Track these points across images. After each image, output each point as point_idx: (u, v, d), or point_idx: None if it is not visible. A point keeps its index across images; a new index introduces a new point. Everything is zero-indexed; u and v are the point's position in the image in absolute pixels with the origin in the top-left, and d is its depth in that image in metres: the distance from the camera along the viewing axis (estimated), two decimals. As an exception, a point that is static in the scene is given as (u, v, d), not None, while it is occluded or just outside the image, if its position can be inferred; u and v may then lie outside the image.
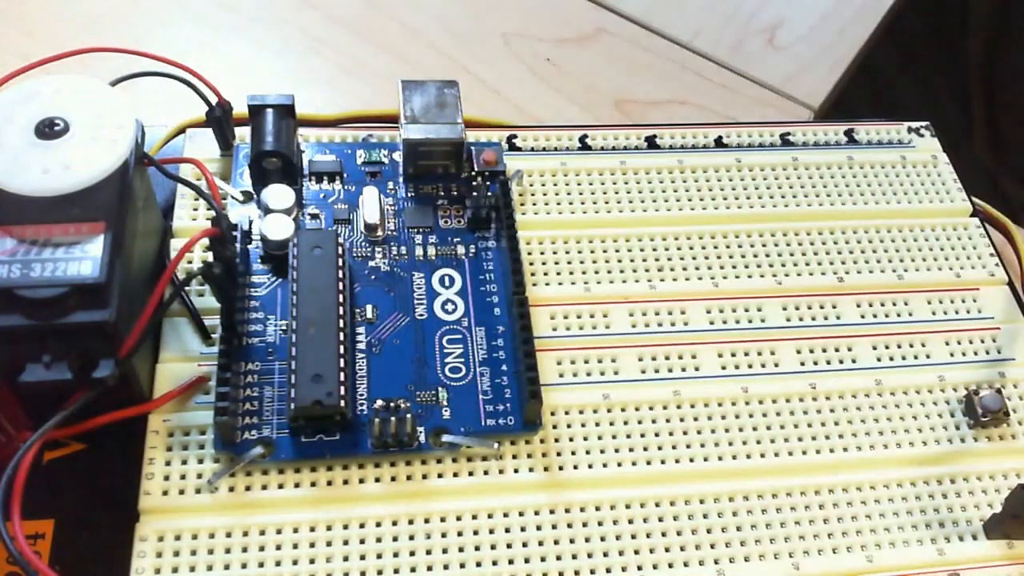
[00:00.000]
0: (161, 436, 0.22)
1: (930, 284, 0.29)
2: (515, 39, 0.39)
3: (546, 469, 0.23)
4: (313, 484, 0.22)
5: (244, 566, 0.21)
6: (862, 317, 0.28)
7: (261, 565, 0.21)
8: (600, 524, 0.23)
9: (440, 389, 0.24)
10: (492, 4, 0.40)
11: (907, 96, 0.55)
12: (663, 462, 0.24)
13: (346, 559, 0.22)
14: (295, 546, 0.22)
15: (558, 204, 0.29)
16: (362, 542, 0.22)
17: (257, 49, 0.37)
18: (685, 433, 0.25)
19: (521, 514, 0.23)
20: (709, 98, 0.38)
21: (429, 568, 0.22)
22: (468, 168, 0.28)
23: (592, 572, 0.22)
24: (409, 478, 0.23)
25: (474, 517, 0.22)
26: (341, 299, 0.23)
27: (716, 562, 0.23)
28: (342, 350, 0.22)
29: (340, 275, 0.23)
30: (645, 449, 0.24)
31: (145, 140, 0.23)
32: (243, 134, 0.27)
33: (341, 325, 0.23)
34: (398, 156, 0.28)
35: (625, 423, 0.24)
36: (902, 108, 0.55)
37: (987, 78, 0.53)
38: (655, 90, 0.39)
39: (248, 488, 0.22)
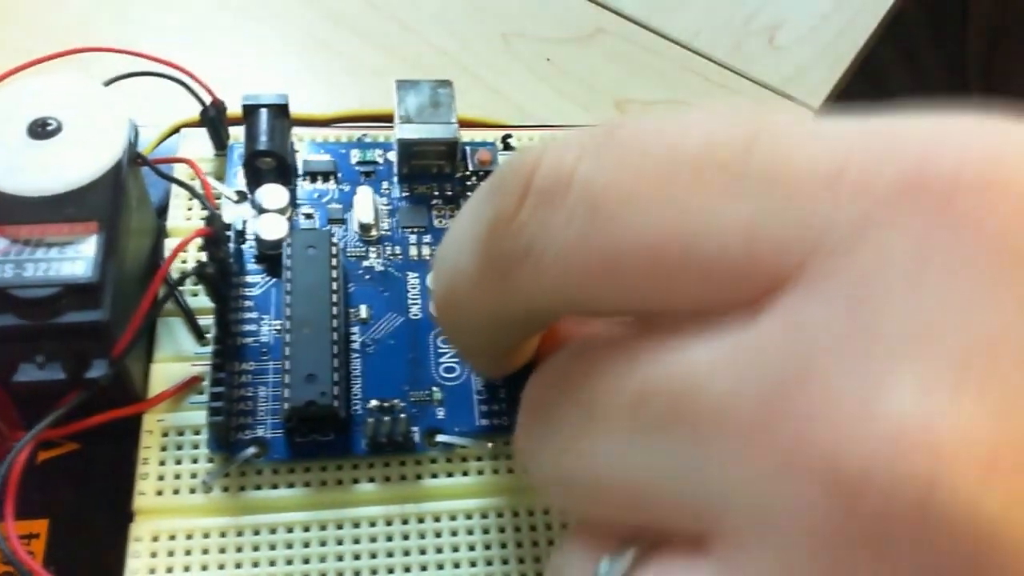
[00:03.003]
0: (155, 436, 0.22)
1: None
2: (515, 39, 0.39)
3: (541, 469, 0.23)
4: (307, 484, 0.22)
5: (238, 566, 0.21)
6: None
7: (255, 565, 0.21)
8: (595, 524, 0.23)
9: (434, 389, 0.24)
10: (492, 4, 0.40)
11: (907, 96, 0.55)
12: (659, 462, 0.24)
13: (340, 559, 0.21)
14: (289, 546, 0.21)
15: (554, 203, 0.28)
16: (356, 542, 0.22)
17: (252, 48, 0.37)
18: (681, 433, 0.24)
19: (516, 514, 0.23)
20: (709, 98, 0.38)
21: (423, 568, 0.22)
22: (463, 168, 0.28)
23: (587, 572, 0.22)
24: (403, 478, 0.23)
25: (468, 517, 0.22)
26: (335, 299, 0.23)
27: (712, 562, 0.23)
28: (336, 350, 0.22)
29: (334, 275, 0.23)
30: (640, 449, 0.24)
31: (138, 140, 0.23)
32: (237, 134, 0.27)
33: (335, 325, 0.22)
34: (392, 156, 0.28)
35: (620, 423, 0.24)
36: (902, 108, 0.55)
37: (987, 78, 0.53)
38: (655, 90, 0.38)
39: (242, 488, 0.22)
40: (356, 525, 0.22)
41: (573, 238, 0.14)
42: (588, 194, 0.14)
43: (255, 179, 0.26)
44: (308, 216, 0.26)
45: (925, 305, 0.11)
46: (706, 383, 0.13)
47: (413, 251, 0.26)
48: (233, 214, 0.26)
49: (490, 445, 0.23)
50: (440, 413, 0.23)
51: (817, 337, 0.12)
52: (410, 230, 0.27)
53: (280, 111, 0.26)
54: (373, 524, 0.22)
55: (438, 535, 0.22)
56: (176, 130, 0.28)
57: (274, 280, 0.25)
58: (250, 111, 0.26)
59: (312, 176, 0.27)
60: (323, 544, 0.22)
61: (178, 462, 0.22)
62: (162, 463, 0.22)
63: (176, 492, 0.22)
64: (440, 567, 0.22)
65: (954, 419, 0.11)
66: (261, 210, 0.25)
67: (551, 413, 0.16)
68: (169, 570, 0.21)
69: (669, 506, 0.14)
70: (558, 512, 0.23)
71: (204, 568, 0.21)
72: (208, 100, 0.26)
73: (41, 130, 0.21)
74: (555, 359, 0.17)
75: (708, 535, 0.13)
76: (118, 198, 0.21)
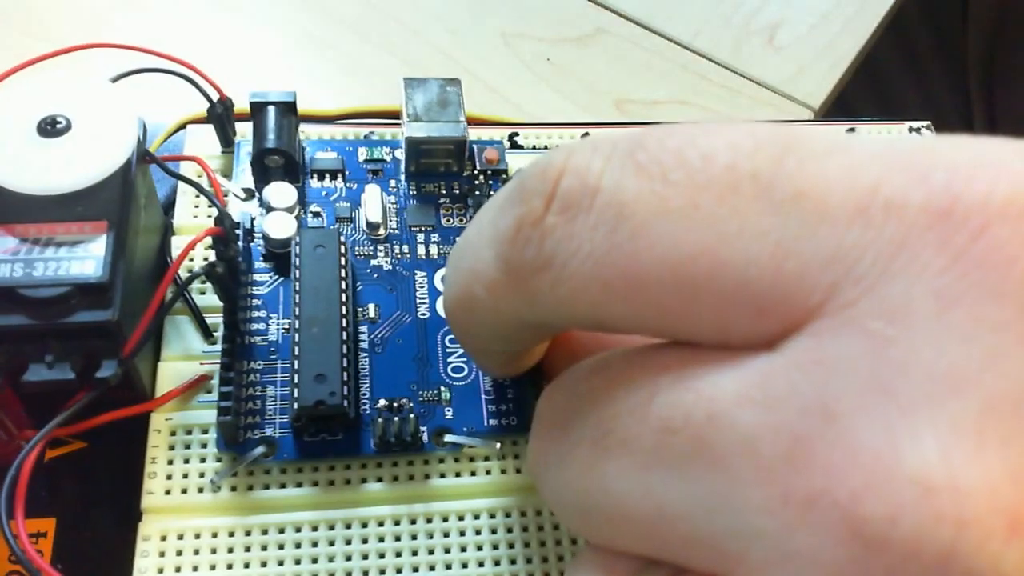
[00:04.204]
0: (163, 435, 0.22)
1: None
2: (515, 39, 0.39)
3: (549, 469, 0.23)
4: (315, 484, 0.22)
5: (247, 566, 0.21)
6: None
7: (264, 565, 0.21)
8: (603, 524, 0.23)
9: (443, 388, 0.24)
10: (492, 4, 0.40)
11: (907, 96, 0.55)
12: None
13: (348, 559, 0.21)
14: (298, 546, 0.21)
15: (560, 203, 0.28)
16: (364, 542, 0.22)
17: (258, 46, 0.37)
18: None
19: (523, 514, 0.23)
20: (709, 98, 0.38)
21: (431, 568, 0.22)
22: (470, 166, 0.28)
23: (595, 572, 0.22)
24: (412, 478, 0.23)
25: (476, 517, 0.22)
26: (344, 298, 0.23)
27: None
28: (345, 350, 0.22)
29: (343, 274, 0.23)
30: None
31: (147, 137, 0.23)
32: (243, 130, 0.27)
33: (344, 324, 0.22)
34: (400, 154, 0.28)
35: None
36: (902, 108, 0.56)
37: (987, 78, 0.53)
38: (655, 90, 0.39)
39: (250, 488, 0.22)
40: (364, 525, 0.22)
41: (598, 248, 0.14)
42: (615, 204, 0.14)
43: (263, 177, 0.26)
44: (316, 215, 0.26)
45: (951, 348, 0.11)
46: (731, 417, 0.13)
47: (421, 250, 0.26)
48: (240, 211, 0.26)
49: (498, 445, 0.23)
50: (448, 413, 0.23)
51: (843, 374, 0.12)
52: (418, 229, 0.27)
53: (288, 108, 0.26)
54: (381, 524, 0.22)
55: (446, 535, 0.22)
56: (182, 126, 0.28)
57: (282, 279, 0.25)
58: (258, 108, 0.26)
59: (320, 174, 0.27)
60: (331, 544, 0.22)
61: (186, 461, 0.22)
62: (170, 462, 0.22)
63: (184, 491, 0.22)
64: (448, 567, 0.22)
65: (977, 476, 0.11)
66: (269, 208, 0.25)
67: (568, 431, 0.16)
68: (177, 569, 0.21)
69: (689, 541, 0.13)
70: (571, 533, 0.22)
71: (212, 567, 0.21)
72: (215, 97, 0.26)
73: (50, 128, 0.21)
74: (572, 373, 0.16)
75: (727, 574, 0.13)
76: (127, 197, 0.21)
